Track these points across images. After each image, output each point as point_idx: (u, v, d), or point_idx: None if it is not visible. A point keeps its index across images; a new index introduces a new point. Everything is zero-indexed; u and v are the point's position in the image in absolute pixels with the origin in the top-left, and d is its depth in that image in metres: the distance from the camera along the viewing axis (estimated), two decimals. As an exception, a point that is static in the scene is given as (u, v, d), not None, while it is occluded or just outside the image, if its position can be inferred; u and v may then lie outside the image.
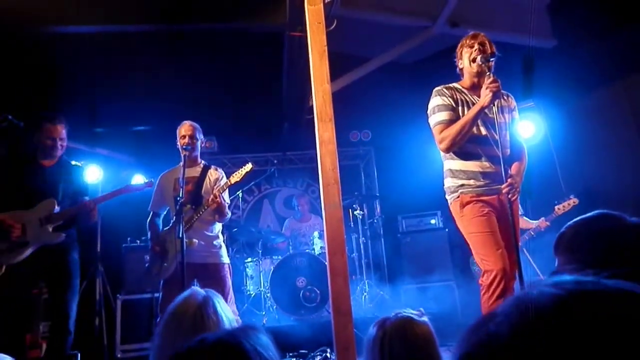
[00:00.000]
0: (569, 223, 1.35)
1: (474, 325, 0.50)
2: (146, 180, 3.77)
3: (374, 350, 1.47)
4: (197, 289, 1.47)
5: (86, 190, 3.63)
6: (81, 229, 3.63)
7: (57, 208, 3.37)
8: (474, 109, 2.81)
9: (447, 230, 6.04)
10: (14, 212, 3.31)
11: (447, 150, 2.92)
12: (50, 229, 3.34)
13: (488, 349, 0.46)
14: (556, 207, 4.71)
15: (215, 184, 3.68)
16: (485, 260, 2.73)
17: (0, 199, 3.35)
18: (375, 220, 7.25)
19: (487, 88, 2.75)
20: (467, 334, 0.50)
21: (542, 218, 4.76)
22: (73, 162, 3.67)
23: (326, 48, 2.95)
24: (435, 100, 2.98)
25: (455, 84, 3.04)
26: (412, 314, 1.54)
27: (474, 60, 2.90)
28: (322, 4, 3.04)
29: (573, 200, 4.68)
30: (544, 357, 0.42)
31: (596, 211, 1.31)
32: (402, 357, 1.44)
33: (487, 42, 2.91)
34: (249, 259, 5.94)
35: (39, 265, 3.32)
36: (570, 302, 0.45)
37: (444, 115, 2.91)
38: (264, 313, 5.37)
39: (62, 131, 3.52)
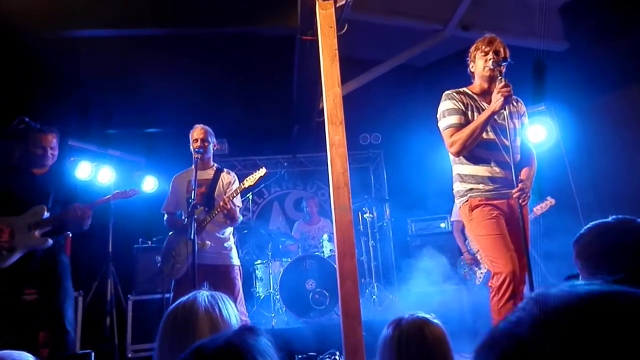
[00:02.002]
0: (589, 225, 1.35)
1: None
2: (131, 188, 3.81)
3: (390, 350, 1.47)
4: (197, 292, 1.47)
5: (76, 197, 3.59)
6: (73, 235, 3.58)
7: (46, 214, 3.38)
8: (485, 114, 2.81)
9: (456, 233, 6.02)
10: (3, 218, 3.32)
11: (458, 154, 2.92)
12: (38, 235, 3.34)
13: (507, 339, 0.47)
14: (534, 208, 4.75)
15: (227, 187, 3.72)
16: (495, 262, 2.72)
17: None
18: (384, 224, 7.23)
19: (498, 92, 2.75)
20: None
21: None
22: (69, 169, 3.63)
23: (337, 52, 2.97)
24: (446, 104, 2.98)
25: (465, 89, 3.04)
26: (425, 315, 1.56)
27: (485, 66, 2.90)
28: (333, 9, 3.06)
29: (550, 201, 4.75)
30: (565, 352, 0.43)
31: (615, 217, 1.31)
32: (419, 357, 1.45)
33: (502, 49, 2.89)
34: (259, 261, 5.95)
35: (26, 271, 3.33)
36: (590, 302, 0.46)
37: (454, 119, 2.91)
38: (273, 315, 5.38)
39: (53, 140, 3.52)
